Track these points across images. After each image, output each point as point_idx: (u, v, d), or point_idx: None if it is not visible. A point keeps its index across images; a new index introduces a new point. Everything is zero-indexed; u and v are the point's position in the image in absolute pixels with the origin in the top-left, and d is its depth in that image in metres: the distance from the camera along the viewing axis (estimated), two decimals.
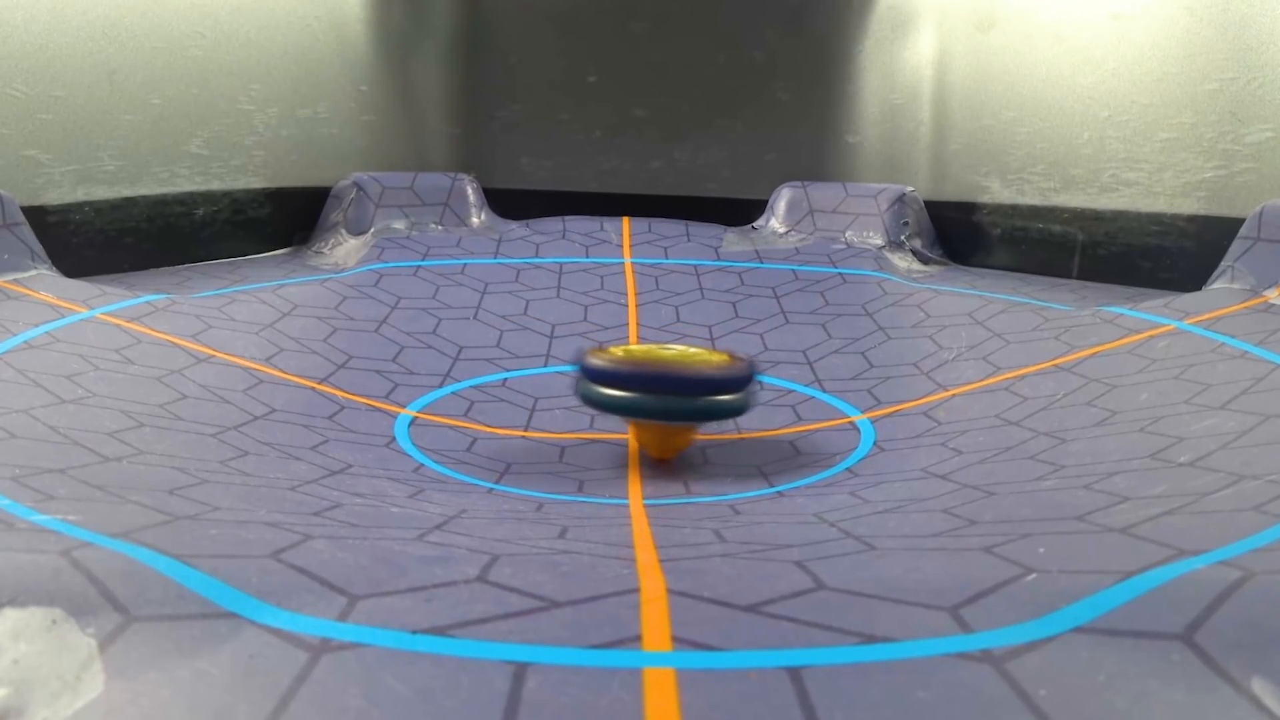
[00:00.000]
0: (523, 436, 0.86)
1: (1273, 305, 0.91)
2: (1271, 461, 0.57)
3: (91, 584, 0.36)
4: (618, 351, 0.78)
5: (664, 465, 0.78)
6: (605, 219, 1.48)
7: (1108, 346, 0.90)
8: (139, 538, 0.42)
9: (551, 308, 1.20)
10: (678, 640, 0.35)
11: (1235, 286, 0.99)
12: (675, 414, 0.73)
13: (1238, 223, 1.04)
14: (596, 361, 0.74)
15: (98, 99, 1.24)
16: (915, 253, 1.45)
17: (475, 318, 1.15)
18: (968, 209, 1.48)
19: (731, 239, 1.44)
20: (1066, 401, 0.80)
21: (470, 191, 1.53)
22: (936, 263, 1.45)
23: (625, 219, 1.48)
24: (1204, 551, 0.42)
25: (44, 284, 0.96)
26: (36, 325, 0.84)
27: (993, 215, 1.45)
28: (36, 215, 1.13)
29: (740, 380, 0.75)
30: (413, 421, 0.86)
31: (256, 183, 1.45)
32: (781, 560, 0.46)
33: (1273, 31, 1.13)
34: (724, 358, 0.77)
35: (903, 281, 1.26)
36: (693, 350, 0.81)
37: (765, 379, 1.00)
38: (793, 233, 1.49)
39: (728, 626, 0.37)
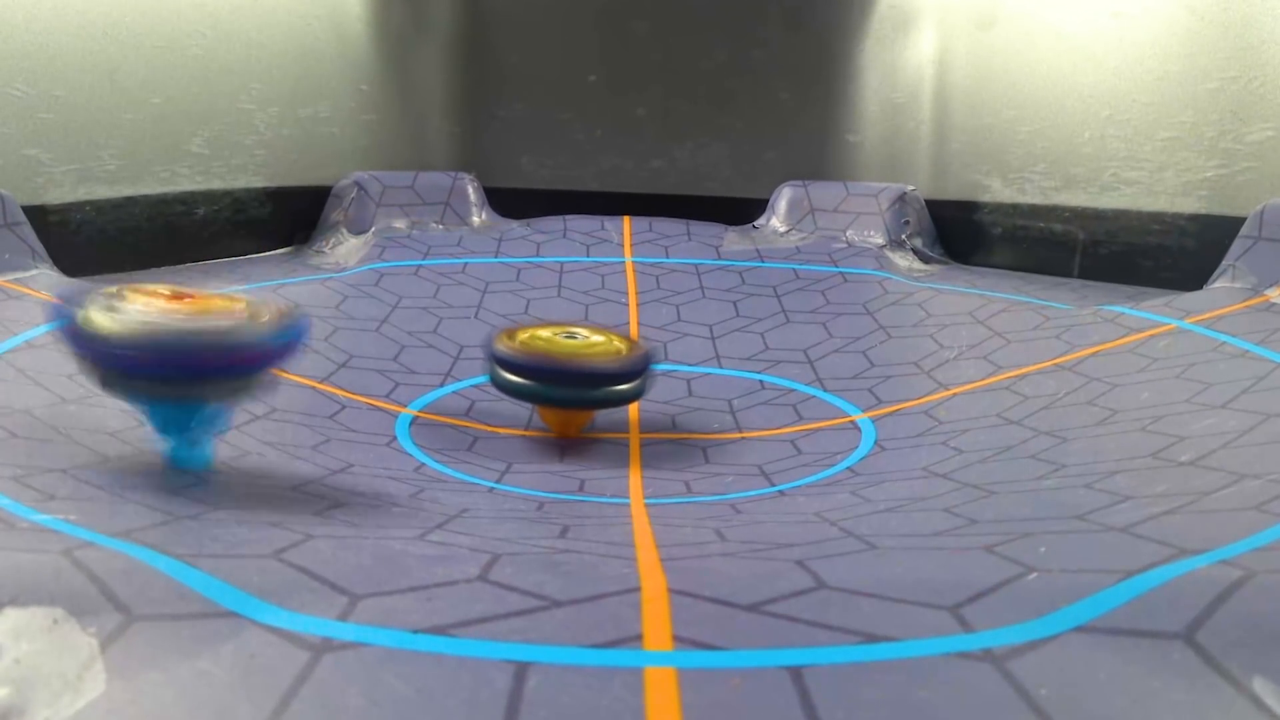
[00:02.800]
0: (524, 436, 0.86)
1: (1274, 304, 0.91)
2: (1272, 461, 0.57)
3: (93, 583, 0.36)
4: (523, 337, 0.81)
5: (664, 464, 0.78)
6: (606, 218, 1.48)
7: (1108, 345, 0.90)
8: (140, 537, 0.42)
9: (552, 307, 1.20)
10: (679, 639, 0.35)
11: (1236, 285, 0.99)
12: (571, 402, 0.80)
13: (1239, 222, 1.04)
14: (502, 348, 0.80)
15: (99, 98, 1.24)
16: (916, 252, 1.45)
17: (476, 317, 1.15)
18: (968, 208, 1.48)
19: (732, 238, 1.44)
20: (1067, 400, 0.80)
21: (471, 190, 1.53)
22: (937, 262, 1.45)
23: (626, 218, 1.48)
24: (1205, 551, 0.42)
25: (45, 283, 0.96)
26: (38, 325, 0.84)
27: (993, 214, 1.45)
28: (37, 215, 1.13)
29: (634, 372, 0.79)
30: (414, 421, 0.86)
31: (257, 182, 1.45)
32: (782, 559, 0.46)
33: (1274, 30, 1.13)
34: (624, 345, 0.81)
35: (904, 280, 1.26)
36: (596, 338, 0.82)
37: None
38: (793, 232, 1.49)
39: (729, 626, 0.37)
